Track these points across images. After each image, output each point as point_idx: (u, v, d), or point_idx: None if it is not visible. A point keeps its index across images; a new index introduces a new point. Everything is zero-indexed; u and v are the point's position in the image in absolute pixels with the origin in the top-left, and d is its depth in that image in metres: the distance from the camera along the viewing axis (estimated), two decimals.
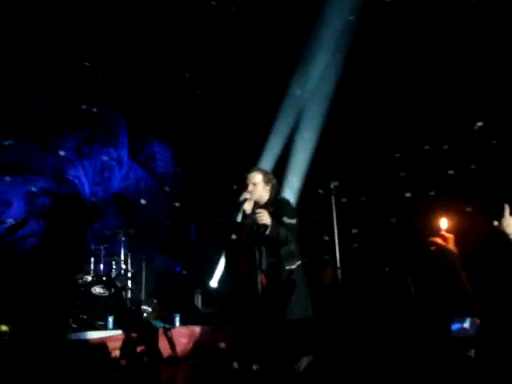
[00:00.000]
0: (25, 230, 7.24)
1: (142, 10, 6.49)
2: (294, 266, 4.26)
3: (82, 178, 8.95)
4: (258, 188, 4.40)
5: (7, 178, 8.22)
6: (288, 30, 6.27)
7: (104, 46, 7.02)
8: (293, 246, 4.33)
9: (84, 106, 8.43)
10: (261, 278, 4.15)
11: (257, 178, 4.41)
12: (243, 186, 4.40)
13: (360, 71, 6.33)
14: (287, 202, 4.48)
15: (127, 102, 8.44)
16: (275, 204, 4.35)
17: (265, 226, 4.06)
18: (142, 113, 8.67)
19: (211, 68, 7.68)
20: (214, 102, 8.18)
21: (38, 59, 7.27)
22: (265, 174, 4.48)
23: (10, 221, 5.85)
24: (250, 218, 4.25)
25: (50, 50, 7.10)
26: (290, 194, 6.78)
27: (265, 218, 4.06)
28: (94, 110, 8.71)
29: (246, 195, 4.26)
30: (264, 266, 4.19)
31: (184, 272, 8.66)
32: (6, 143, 7.97)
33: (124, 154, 9.31)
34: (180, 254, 9.11)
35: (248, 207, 4.29)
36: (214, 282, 7.80)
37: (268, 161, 7.09)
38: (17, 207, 8.35)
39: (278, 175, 7.05)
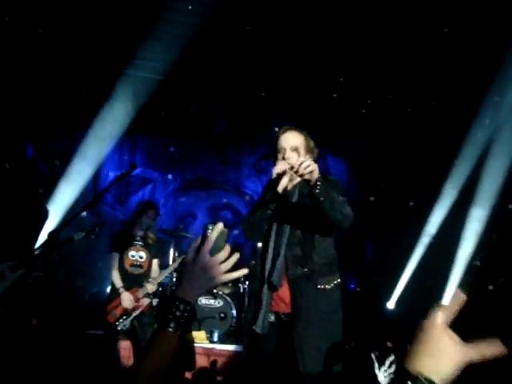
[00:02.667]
0: None
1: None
2: (329, 286, 2.84)
3: (260, 193, 9.24)
4: (299, 156, 2.91)
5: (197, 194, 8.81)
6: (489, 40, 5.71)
7: (275, 66, 7.15)
8: (332, 254, 2.96)
9: (262, 123, 8.72)
10: (269, 297, 2.86)
11: (298, 140, 2.97)
12: (275, 151, 3.00)
13: None
14: (339, 181, 3.03)
15: (303, 117, 8.51)
16: (319, 183, 2.75)
17: (312, 182, 2.61)
18: (317, 127, 8.66)
19: (391, 86, 7.37)
20: (395, 118, 7.85)
21: (222, 80, 7.65)
22: (307, 136, 3.04)
23: None
24: (290, 196, 2.97)
25: (232, 72, 7.44)
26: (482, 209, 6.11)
27: (312, 165, 2.58)
28: (272, 126, 8.96)
29: (282, 165, 2.73)
30: (291, 276, 2.84)
31: (358, 289, 8.43)
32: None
33: None
34: (354, 270, 8.89)
35: (284, 184, 2.94)
36: (391, 303, 7.41)
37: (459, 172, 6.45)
38: (201, 220, 8.92)
39: (467, 194, 6.51)
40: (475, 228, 6.28)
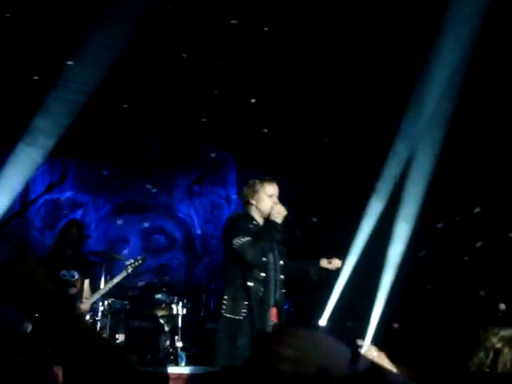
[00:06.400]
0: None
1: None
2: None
3: (193, 216, 9.25)
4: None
5: (119, 222, 8.72)
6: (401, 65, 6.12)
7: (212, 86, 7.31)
8: None
9: (195, 147, 8.82)
10: (270, 314, 3.69)
11: (277, 190, 3.94)
12: (260, 192, 3.86)
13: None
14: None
15: (235, 140, 8.66)
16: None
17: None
18: (250, 150, 8.82)
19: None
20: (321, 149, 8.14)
21: (152, 104, 7.71)
22: None
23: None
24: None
25: (163, 96, 7.52)
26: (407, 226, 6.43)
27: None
28: (205, 150, 9.06)
29: (284, 209, 3.79)
30: (277, 295, 3.78)
31: (291, 309, 8.53)
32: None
33: (232, 192, 9.52)
34: (289, 290, 9.01)
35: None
36: (323, 321, 7.56)
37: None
38: (133, 244, 8.80)
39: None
40: (399, 246, 6.59)
